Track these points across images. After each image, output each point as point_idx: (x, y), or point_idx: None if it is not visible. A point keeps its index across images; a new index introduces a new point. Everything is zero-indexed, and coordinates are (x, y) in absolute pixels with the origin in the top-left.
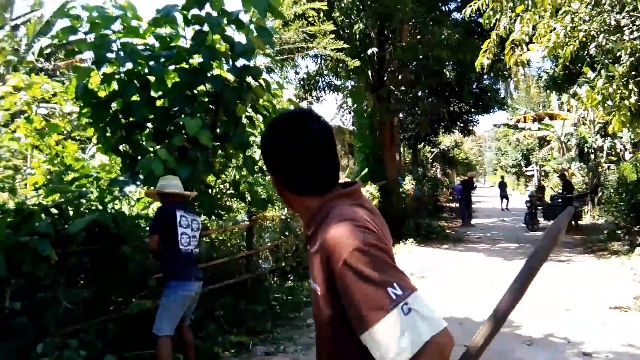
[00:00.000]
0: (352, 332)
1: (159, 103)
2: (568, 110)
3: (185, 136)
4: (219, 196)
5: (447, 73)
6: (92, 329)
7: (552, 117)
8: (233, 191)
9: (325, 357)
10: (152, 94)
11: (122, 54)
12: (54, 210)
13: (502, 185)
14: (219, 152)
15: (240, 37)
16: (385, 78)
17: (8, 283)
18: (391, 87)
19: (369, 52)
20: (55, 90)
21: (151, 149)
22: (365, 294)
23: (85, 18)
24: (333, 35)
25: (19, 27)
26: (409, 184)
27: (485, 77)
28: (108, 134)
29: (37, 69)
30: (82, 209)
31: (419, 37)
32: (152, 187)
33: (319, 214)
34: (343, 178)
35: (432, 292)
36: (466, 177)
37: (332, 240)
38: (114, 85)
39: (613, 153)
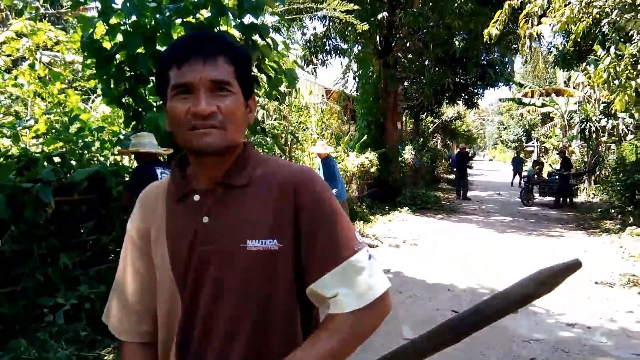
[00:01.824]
0: (292, 290)
1: None
2: (574, 88)
3: None
4: None
5: (456, 43)
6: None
7: (558, 93)
8: None
9: (246, 331)
10: (158, 47)
11: (128, 5)
12: (56, 159)
13: (518, 161)
14: None
15: None
16: (393, 44)
17: (8, 228)
18: (398, 54)
19: (379, 16)
20: (58, 38)
21: (155, 103)
22: (342, 227)
23: None
24: None
25: None
26: (408, 153)
27: (495, 49)
28: (112, 86)
29: (41, 15)
30: (84, 160)
31: (431, 3)
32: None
33: (250, 154)
34: (343, 144)
35: (422, 259)
36: (460, 149)
37: (301, 173)
38: (119, 37)
39: (615, 133)
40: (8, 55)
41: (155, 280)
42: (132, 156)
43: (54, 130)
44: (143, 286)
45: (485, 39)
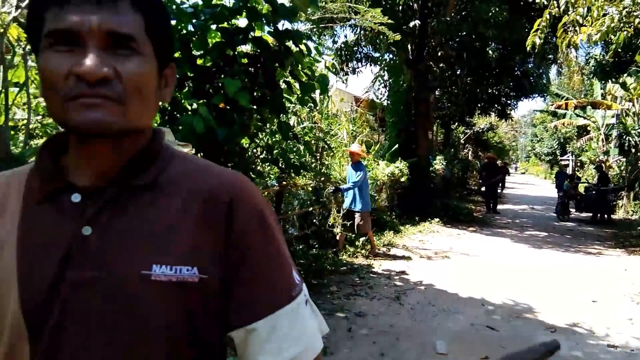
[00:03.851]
0: (213, 345)
1: (199, 62)
2: (613, 100)
3: (224, 97)
4: (251, 160)
5: (490, 52)
6: None
7: (594, 105)
8: (266, 155)
9: None
10: (194, 52)
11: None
12: None
13: (563, 176)
14: (255, 115)
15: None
16: (425, 53)
17: None
18: (430, 63)
19: (411, 24)
20: None
21: (189, 107)
22: (283, 261)
23: None
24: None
25: None
26: (439, 163)
27: (530, 60)
28: None
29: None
30: None
31: (464, 12)
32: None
33: (160, 147)
34: (373, 152)
35: (455, 272)
36: (488, 158)
37: (239, 183)
38: None
39: None
40: None
41: None
42: None
43: None
44: None
45: (527, 48)
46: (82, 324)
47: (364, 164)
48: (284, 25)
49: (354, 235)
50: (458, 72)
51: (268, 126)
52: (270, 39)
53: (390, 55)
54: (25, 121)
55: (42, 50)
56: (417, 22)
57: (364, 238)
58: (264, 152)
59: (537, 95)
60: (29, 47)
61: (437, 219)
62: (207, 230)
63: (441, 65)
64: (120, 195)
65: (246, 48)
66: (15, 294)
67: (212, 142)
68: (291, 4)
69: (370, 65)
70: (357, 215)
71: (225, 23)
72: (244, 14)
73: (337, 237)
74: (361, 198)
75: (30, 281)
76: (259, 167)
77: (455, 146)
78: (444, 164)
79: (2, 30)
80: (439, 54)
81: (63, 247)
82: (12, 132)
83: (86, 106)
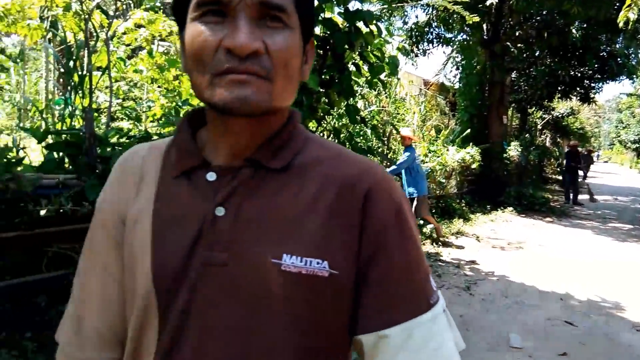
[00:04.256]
0: (344, 341)
1: None
2: None
3: None
4: None
5: (574, 32)
6: None
7: None
8: (333, 139)
9: None
10: None
11: None
12: None
13: None
14: (323, 98)
15: None
16: (501, 33)
17: None
18: (507, 43)
19: (488, 3)
20: (172, 28)
21: None
22: (420, 263)
23: None
24: None
25: None
26: (514, 150)
27: (618, 39)
28: None
29: (157, 7)
30: None
31: None
32: None
33: (296, 129)
34: (442, 137)
35: (530, 263)
36: (571, 146)
37: (377, 173)
38: None
39: None
40: (127, 45)
41: None
42: None
43: (165, 113)
44: (113, 298)
45: (620, 24)
46: (209, 305)
47: (414, 147)
48: (354, 5)
49: (421, 222)
50: (537, 53)
51: (336, 109)
52: (340, 20)
53: (464, 36)
54: (107, 104)
55: (189, 21)
56: (495, 0)
57: (431, 226)
58: (331, 135)
59: (624, 77)
60: (110, 32)
61: (510, 208)
62: (341, 221)
63: (519, 45)
64: (254, 177)
65: (316, 30)
66: (148, 269)
67: None
68: None
69: (442, 46)
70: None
71: None
72: None
73: None
74: (414, 182)
75: (163, 256)
76: None
77: (531, 132)
78: (519, 150)
79: (86, 16)
80: (517, 33)
81: (195, 226)
82: (95, 114)
83: (235, 83)
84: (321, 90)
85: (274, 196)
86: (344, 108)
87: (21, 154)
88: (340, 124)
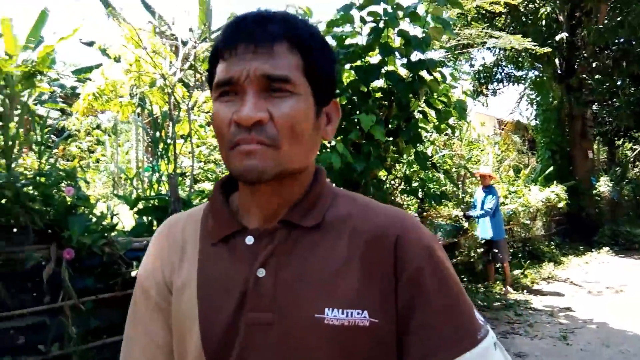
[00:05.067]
0: None
1: None
2: None
3: (360, 132)
4: (390, 192)
5: None
6: None
7: None
8: (404, 186)
9: None
10: None
11: None
12: None
13: None
14: (391, 147)
15: (414, 31)
16: (575, 66)
17: None
18: (583, 75)
19: (557, 37)
20: None
21: (327, 144)
22: (461, 300)
23: None
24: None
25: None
26: (604, 185)
27: None
28: None
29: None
30: None
31: (619, 18)
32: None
33: (324, 186)
34: (523, 177)
35: (633, 309)
36: None
37: (404, 220)
38: None
39: None
40: (207, 112)
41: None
42: None
43: None
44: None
45: None
46: None
47: (495, 188)
48: (416, 55)
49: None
50: (618, 83)
51: (405, 157)
52: (403, 72)
53: (535, 72)
54: (190, 168)
55: (213, 101)
56: (564, 34)
57: (519, 271)
58: (402, 183)
59: None
60: (190, 102)
61: (606, 248)
62: (375, 271)
63: (597, 76)
64: (290, 237)
65: (379, 82)
66: (197, 333)
67: (349, 176)
68: (424, 35)
69: (513, 84)
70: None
71: (359, 61)
72: (377, 50)
73: (487, 270)
74: (495, 225)
75: (211, 321)
76: (397, 199)
77: (622, 165)
78: (610, 185)
79: (169, 90)
80: (593, 64)
81: (239, 288)
82: (180, 178)
83: (244, 154)
84: (388, 139)
85: (310, 254)
86: (413, 155)
87: (115, 219)
88: (410, 171)
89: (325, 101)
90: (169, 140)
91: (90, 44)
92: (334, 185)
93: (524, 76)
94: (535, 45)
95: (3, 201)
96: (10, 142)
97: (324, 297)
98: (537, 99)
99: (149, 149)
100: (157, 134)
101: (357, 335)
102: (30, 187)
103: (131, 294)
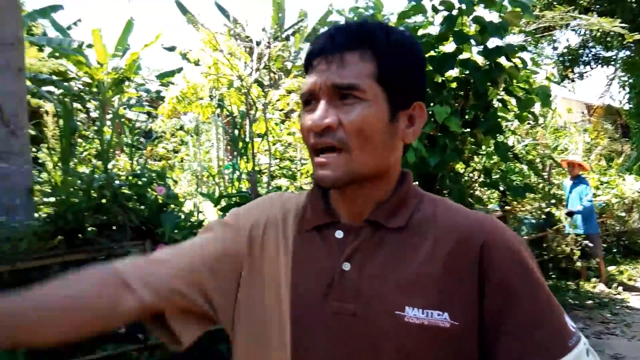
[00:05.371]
0: None
1: None
2: None
3: (434, 124)
4: (468, 185)
5: None
6: None
7: None
8: (485, 179)
9: None
10: None
11: None
12: None
13: None
14: (469, 138)
15: (490, 16)
16: None
17: None
18: None
19: None
20: None
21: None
22: (550, 307)
23: (343, 20)
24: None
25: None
26: None
27: None
28: None
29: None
30: None
31: None
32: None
33: (410, 188)
34: (616, 166)
35: None
36: None
37: (490, 223)
38: None
39: None
40: (281, 110)
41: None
42: None
43: None
44: (186, 266)
45: None
46: (339, 353)
47: (585, 178)
48: (493, 42)
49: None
50: None
51: (484, 148)
52: (479, 59)
53: (627, 52)
54: (266, 165)
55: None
56: None
57: (614, 267)
58: (482, 175)
59: None
60: (265, 100)
61: None
62: (459, 274)
63: None
64: (375, 235)
65: (454, 72)
66: (287, 306)
67: (425, 170)
68: (500, 20)
69: (602, 66)
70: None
71: (432, 51)
72: (451, 39)
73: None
74: (589, 219)
75: (300, 300)
76: (477, 192)
77: None
78: None
79: (246, 91)
80: None
81: (326, 277)
82: (258, 175)
83: (319, 165)
84: (465, 131)
85: (394, 253)
86: (493, 146)
87: (201, 216)
88: (490, 162)
89: (403, 105)
90: (247, 139)
91: (172, 49)
92: (418, 188)
93: (614, 57)
94: (625, 27)
95: (103, 201)
96: (105, 145)
97: (405, 295)
98: (630, 80)
99: (229, 147)
100: (236, 132)
101: (436, 336)
102: (126, 187)
103: None
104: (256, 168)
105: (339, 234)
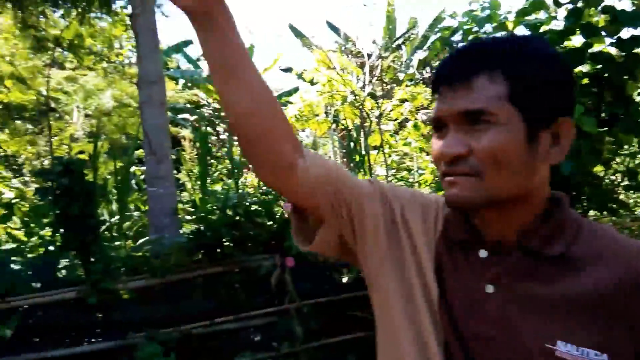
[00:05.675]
0: None
1: None
2: None
3: None
4: (610, 189)
5: None
6: None
7: None
8: (629, 182)
9: None
10: None
11: None
12: None
13: None
14: (607, 138)
15: (621, 4)
16: None
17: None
18: None
19: None
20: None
21: None
22: None
23: (457, 24)
24: None
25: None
26: None
27: None
28: None
29: (417, 80)
30: None
31: None
32: None
33: (567, 214)
34: None
35: None
36: None
37: None
38: None
39: None
40: (395, 120)
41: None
42: None
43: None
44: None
45: None
46: None
47: None
48: (628, 32)
49: None
50: None
51: (625, 148)
52: (613, 51)
53: None
54: (383, 177)
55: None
56: None
57: None
58: (626, 178)
59: None
60: (378, 112)
61: None
62: (626, 316)
63: None
64: (524, 261)
65: (584, 68)
66: (427, 316)
67: (556, 178)
68: (634, 7)
69: None
70: None
71: (557, 47)
72: (577, 32)
73: None
74: None
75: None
76: (621, 197)
77: None
78: None
79: (359, 105)
80: None
81: (467, 298)
82: None
83: (447, 184)
84: (602, 130)
85: (548, 283)
86: (637, 144)
87: None
88: (635, 163)
89: (544, 123)
90: (362, 152)
91: (288, 70)
92: (576, 214)
93: None
94: None
95: (237, 218)
96: (235, 165)
97: (558, 329)
98: None
99: (344, 160)
100: (352, 145)
101: None
102: (256, 205)
103: (344, 299)
104: None
105: (484, 253)
